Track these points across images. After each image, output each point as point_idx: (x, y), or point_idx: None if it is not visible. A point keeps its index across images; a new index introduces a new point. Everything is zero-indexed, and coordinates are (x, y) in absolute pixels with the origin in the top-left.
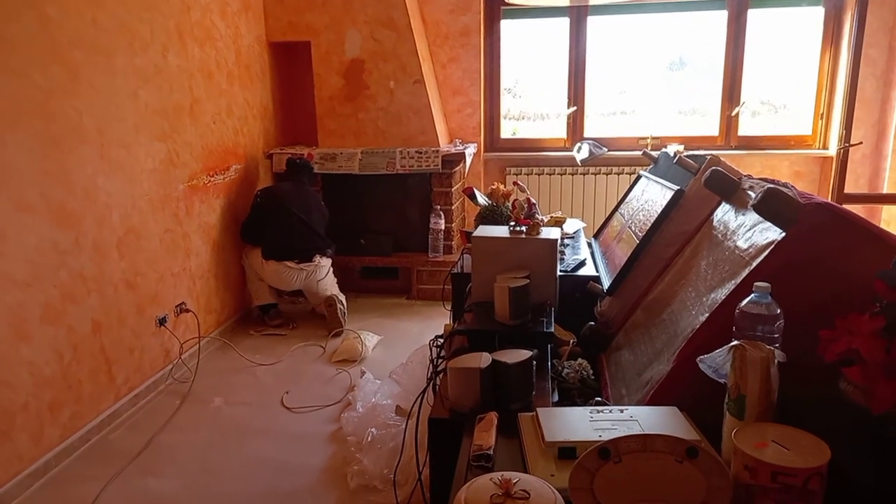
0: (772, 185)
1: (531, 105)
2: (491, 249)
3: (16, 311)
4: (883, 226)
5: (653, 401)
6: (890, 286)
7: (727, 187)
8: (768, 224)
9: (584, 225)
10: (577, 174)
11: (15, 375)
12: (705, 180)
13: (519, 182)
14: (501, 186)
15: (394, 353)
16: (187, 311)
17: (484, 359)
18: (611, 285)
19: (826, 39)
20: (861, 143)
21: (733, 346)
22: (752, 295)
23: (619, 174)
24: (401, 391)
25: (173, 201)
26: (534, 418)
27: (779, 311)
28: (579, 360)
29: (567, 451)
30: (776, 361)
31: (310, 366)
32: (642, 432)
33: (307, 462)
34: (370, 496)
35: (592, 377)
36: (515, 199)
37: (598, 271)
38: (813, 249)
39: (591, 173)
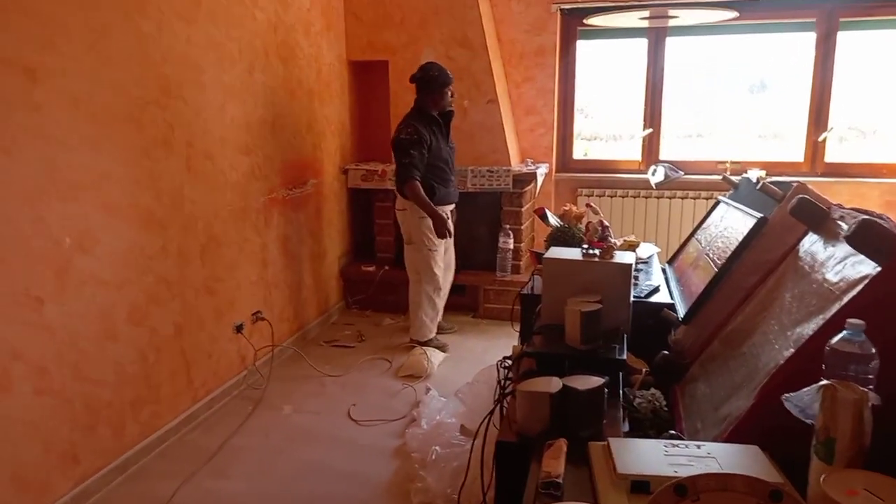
0: (866, 216)
1: (605, 126)
2: (563, 271)
3: (105, 311)
4: None
5: (731, 437)
6: None
7: (815, 216)
8: (861, 257)
9: (659, 250)
10: (651, 197)
11: (102, 373)
12: (791, 208)
13: (592, 204)
14: (574, 208)
15: (459, 371)
16: (262, 319)
17: (554, 383)
18: (687, 313)
19: None
20: None
21: (823, 385)
22: (845, 332)
23: (695, 199)
24: (466, 410)
25: (253, 212)
26: (605, 448)
27: (873, 350)
28: (652, 389)
29: (640, 485)
30: (870, 404)
31: (376, 379)
32: (721, 471)
33: (371, 474)
34: None
35: (665, 409)
36: (589, 222)
37: (672, 298)
38: None
39: (666, 197)
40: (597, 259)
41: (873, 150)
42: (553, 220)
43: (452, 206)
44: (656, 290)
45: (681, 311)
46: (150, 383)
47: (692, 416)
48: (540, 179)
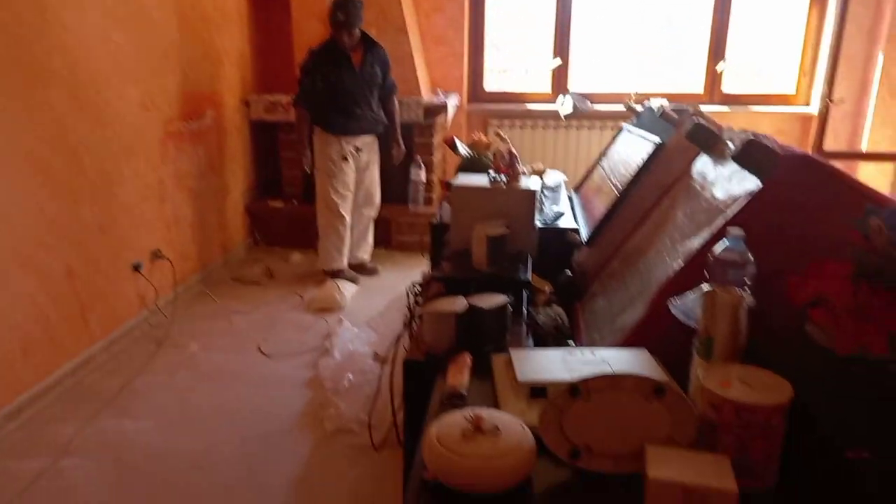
0: (752, 136)
1: (515, 58)
2: (470, 198)
3: None
4: None
5: (625, 345)
6: (862, 234)
7: (707, 139)
8: (746, 174)
9: (566, 178)
10: (561, 128)
11: None
12: (686, 132)
13: (500, 133)
14: (483, 137)
15: (372, 302)
16: (163, 257)
17: (460, 303)
18: (590, 236)
19: None
20: (843, 100)
21: (704, 289)
22: (725, 241)
23: (602, 129)
24: (378, 339)
25: (146, 146)
26: (507, 359)
27: (750, 257)
28: (555, 307)
29: (538, 391)
30: (745, 306)
31: (287, 314)
32: (612, 372)
33: (284, 407)
34: (346, 438)
35: (568, 324)
36: (497, 150)
37: (577, 223)
38: (789, 199)
39: (575, 127)
40: (503, 186)
41: (768, 82)
42: (463, 149)
43: (367, 140)
44: (561, 215)
45: (585, 234)
46: (43, 327)
47: (592, 329)
48: (451, 111)
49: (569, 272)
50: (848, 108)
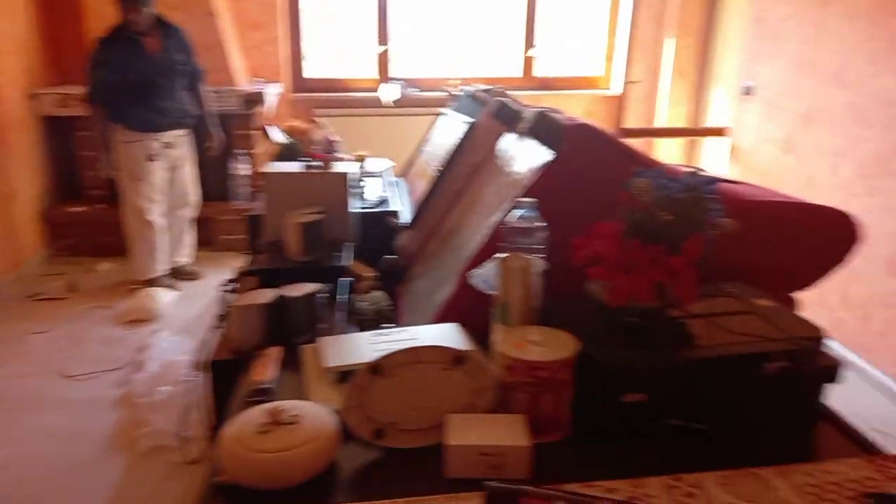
0: (541, 110)
1: (341, 43)
2: (283, 186)
3: None
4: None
5: (438, 320)
6: (632, 195)
7: (510, 117)
8: (543, 148)
9: (393, 164)
10: (388, 115)
11: None
12: (492, 111)
13: (317, 119)
14: (300, 123)
15: (192, 308)
16: None
17: (267, 294)
18: (412, 219)
19: None
20: (641, 81)
21: (497, 257)
22: (518, 210)
23: (429, 115)
24: (199, 345)
25: None
26: (316, 348)
27: (539, 223)
28: (376, 293)
29: (346, 375)
30: (536, 270)
31: (93, 329)
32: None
33: (92, 430)
34: (163, 456)
35: (390, 308)
36: (314, 136)
37: (400, 207)
38: (576, 167)
39: (403, 114)
40: (316, 171)
41: (580, 66)
42: (278, 136)
43: (176, 135)
44: (384, 200)
45: (409, 218)
46: None
47: (411, 311)
48: (272, 100)
49: (392, 256)
50: (645, 89)
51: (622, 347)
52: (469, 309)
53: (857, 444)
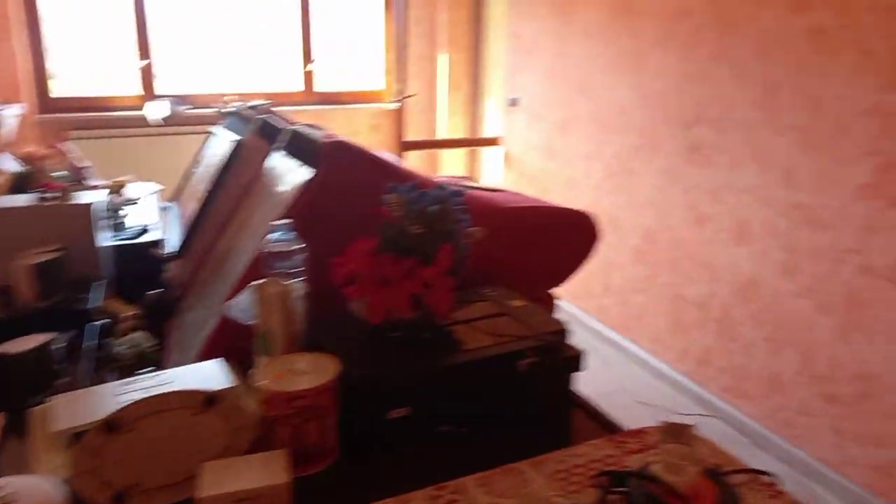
0: (295, 127)
1: (97, 58)
2: (10, 223)
3: None
4: (443, 168)
5: (203, 356)
6: (389, 209)
7: (273, 134)
8: (305, 165)
9: (161, 188)
10: (157, 135)
11: None
12: (256, 128)
13: (63, 143)
14: (38, 149)
15: None
16: None
17: None
18: (181, 247)
19: (388, 2)
20: (415, 94)
21: (253, 284)
22: (274, 233)
23: (201, 134)
24: None
25: None
26: (46, 410)
27: (298, 245)
28: (136, 334)
29: (80, 436)
30: (296, 294)
31: None
32: (153, 394)
33: None
34: None
35: (154, 349)
36: (57, 163)
37: (167, 236)
38: (336, 183)
39: (173, 133)
40: (52, 203)
41: (363, 80)
42: (10, 165)
43: None
44: (145, 230)
45: (178, 245)
46: None
47: (179, 349)
48: (10, 122)
49: (158, 290)
50: (425, 103)
51: (385, 363)
52: (233, 342)
53: (602, 425)
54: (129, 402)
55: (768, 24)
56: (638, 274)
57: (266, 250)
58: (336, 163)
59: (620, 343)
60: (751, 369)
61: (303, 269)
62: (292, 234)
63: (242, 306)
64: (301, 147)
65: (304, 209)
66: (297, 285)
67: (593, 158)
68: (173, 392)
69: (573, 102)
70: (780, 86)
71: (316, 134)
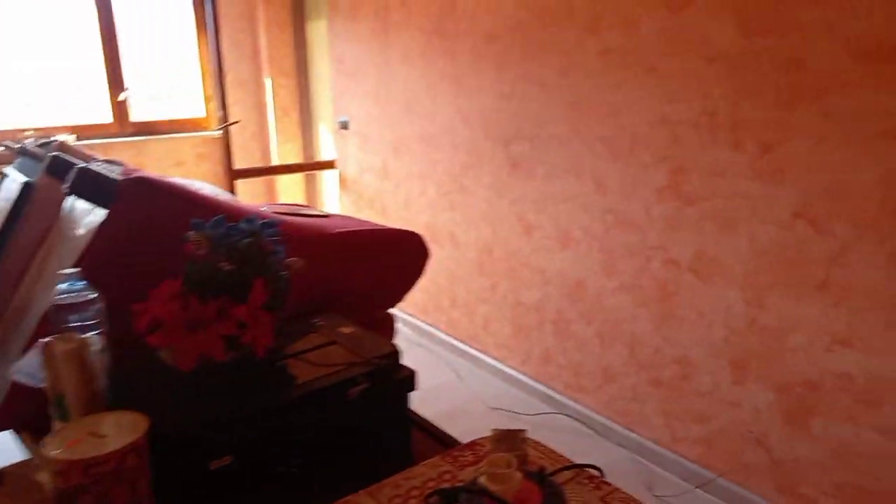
0: (84, 165)
1: None
2: None
3: None
4: (281, 195)
5: None
6: (194, 247)
7: (66, 174)
8: (98, 206)
9: None
10: None
11: None
12: (47, 168)
13: None
14: None
15: None
16: None
17: None
18: None
19: (199, 25)
20: (238, 121)
21: (40, 343)
22: (62, 284)
23: None
24: None
25: None
26: None
27: (94, 294)
28: None
29: None
30: (93, 349)
31: None
32: None
33: None
34: None
35: None
36: None
37: None
38: (136, 223)
39: None
40: None
41: (182, 108)
42: None
43: None
44: None
45: None
46: None
47: None
48: None
49: None
50: (255, 128)
51: (200, 412)
52: (26, 409)
53: (439, 441)
54: None
55: (568, 45)
56: (481, 285)
57: (55, 303)
58: (133, 201)
59: (471, 353)
60: (586, 364)
61: (100, 320)
62: (83, 284)
63: (30, 368)
64: (93, 186)
65: (98, 254)
66: (94, 339)
67: (426, 177)
68: None
69: (401, 123)
70: (583, 102)
71: (112, 170)
